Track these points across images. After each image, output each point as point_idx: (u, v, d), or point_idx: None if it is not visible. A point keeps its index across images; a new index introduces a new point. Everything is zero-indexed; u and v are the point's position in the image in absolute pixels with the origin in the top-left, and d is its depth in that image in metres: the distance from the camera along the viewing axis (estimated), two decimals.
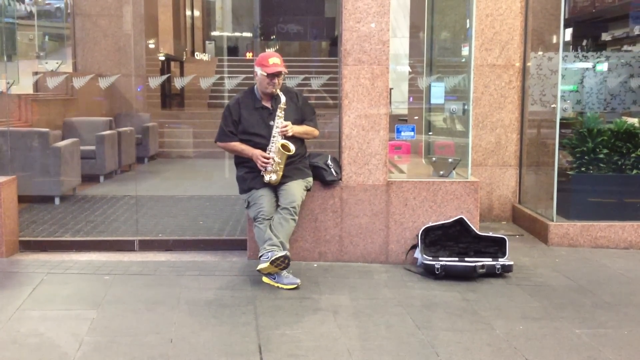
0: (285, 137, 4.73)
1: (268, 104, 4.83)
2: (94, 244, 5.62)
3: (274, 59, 4.73)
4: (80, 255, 5.40)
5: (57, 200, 7.18)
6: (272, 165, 4.69)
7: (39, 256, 5.35)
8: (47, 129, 7.37)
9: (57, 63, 11.14)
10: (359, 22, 5.13)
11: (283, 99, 4.74)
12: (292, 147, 4.69)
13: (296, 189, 4.76)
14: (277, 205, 4.77)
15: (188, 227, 6.20)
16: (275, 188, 4.81)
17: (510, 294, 4.60)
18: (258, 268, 4.62)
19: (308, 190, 4.98)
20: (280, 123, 4.74)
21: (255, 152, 4.74)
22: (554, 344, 3.73)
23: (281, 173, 4.72)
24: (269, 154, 4.71)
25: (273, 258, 4.50)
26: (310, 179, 4.99)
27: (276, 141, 4.71)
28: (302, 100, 4.99)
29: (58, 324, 3.93)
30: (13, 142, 7.15)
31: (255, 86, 4.89)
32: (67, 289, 4.58)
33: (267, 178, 4.71)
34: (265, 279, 4.66)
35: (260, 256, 4.64)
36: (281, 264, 4.53)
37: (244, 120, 4.84)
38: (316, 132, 4.99)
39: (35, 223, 6.23)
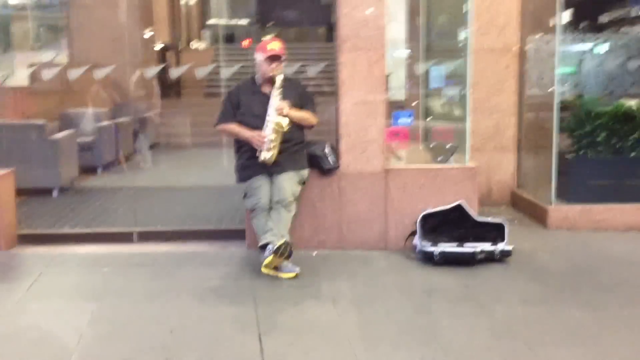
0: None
1: (268, 90, 4.84)
2: (93, 236, 5.61)
3: (273, 44, 4.81)
4: (79, 247, 5.39)
5: (55, 193, 7.17)
6: (267, 142, 4.68)
7: (38, 249, 5.34)
8: (43, 121, 7.35)
9: (53, 54, 11.09)
10: (355, 8, 5.09)
11: (279, 79, 4.75)
12: (286, 122, 4.67)
13: (287, 184, 4.73)
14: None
15: (186, 217, 6.19)
16: (271, 178, 4.79)
17: (509, 279, 4.60)
18: (264, 264, 4.58)
19: (303, 184, 4.96)
20: (276, 102, 4.74)
21: (252, 133, 4.75)
22: (554, 327, 3.73)
23: (276, 151, 4.70)
24: (264, 132, 4.71)
25: (275, 248, 4.48)
26: (305, 172, 4.96)
27: (272, 120, 4.70)
28: (301, 88, 5.03)
29: (58, 317, 3.92)
30: (9, 135, 7.13)
31: (257, 75, 4.91)
32: (67, 282, 4.58)
33: (262, 156, 4.70)
34: (264, 269, 4.64)
35: (262, 246, 4.62)
36: (284, 251, 4.49)
37: (243, 103, 4.87)
38: (314, 120, 4.96)
39: (34, 216, 6.22)
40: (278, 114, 4.72)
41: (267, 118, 4.74)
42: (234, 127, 4.88)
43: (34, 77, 9.53)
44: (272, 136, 4.69)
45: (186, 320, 3.85)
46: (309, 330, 3.72)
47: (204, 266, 4.88)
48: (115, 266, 4.88)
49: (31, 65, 9.84)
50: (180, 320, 3.84)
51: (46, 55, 11.06)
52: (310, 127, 5.00)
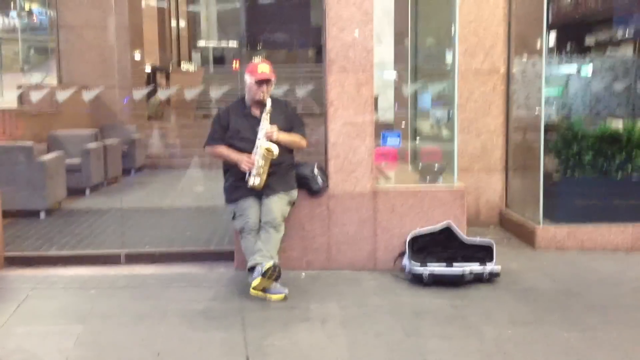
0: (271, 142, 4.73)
1: (257, 112, 4.84)
2: (80, 258, 5.56)
3: (262, 67, 4.81)
4: (66, 269, 5.34)
5: (42, 215, 7.11)
6: (256, 168, 4.68)
7: (25, 271, 5.29)
8: (31, 143, 7.31)
9: (42, 76, 11.10)
10: (343, 30, 5.13)
11: (269, 103, 4.75)
12: (276, 149, 4.67)
13: (276, 205, 4.73)
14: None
15: (175, 238, 6.16)
16: (260, 199, 4.78)
17: (498, 299, 4.59)
18: (252, 286, 4.55)
19: (292, 204, 4.95)
20: (265, 126, 4.74)
21: (241, 156, 4.74)
22: (543, 348, 3.73)
23: (265, 177, 4.70)
24: (253, 157, 4.71)
25: (264, 270, 4.45)
26: (294, 193, 4.97)
27: (261, 145, 4.70)
28: (291, 110, 5.02)
29: (44, 340, 3.88)
30: None
31: (245, 95, 4.92)
32: (53, 304, 4.53)
33: (250, 182, 4.69)
34: (252, 290, 4.62)
35: (250, 268, 4.59)
36: (273, 273, 4.47)
37: (232, 126, 4.87)
38: (304, 142, 4.97)
39: (20, 238, 6.17)
40: (267, 138, 4.72)
41: (257, 143, 4.73)
42: (223, 150, 4.88)
43: (23, 98, 9.52)
44: (261, 162, 4.68)
45: (173, 343, 3.82)
46: (297, 352, 3.69)
47: (191, 288, 4.85)
48: (102, 288, 4.84)
49: (20, 87, 9.83)
50: (168, 343, 3.81)
51: (35, 77, 11.06)
52: (300, 149, 5.01)
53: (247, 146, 4.77)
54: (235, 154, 4.80)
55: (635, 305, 4.47)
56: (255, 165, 4.68)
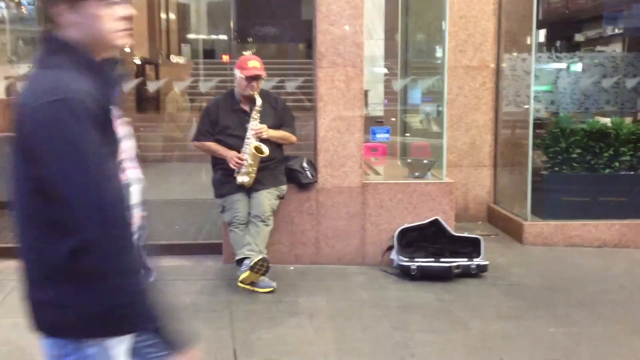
0: (261, 141, 4.71)
1: (246, 107, 4.81)
2: None
3: (253, 62, 4.74)
4: None
5: None
6: (245, 166, 4.66)
7: (10, 263, 5.24)
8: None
9: (30, 67, 11.01)
10: (333, 24, 5.12)
11: (259, 101, 4.73)
12: (266, 150, 4.66)
13: (265, 199, 4.72)
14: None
15: (163, 231, 6.13)
16: (249, 193, 4.78)
17: (485, 294, 4.62)
18: (240, 279, 4.55)
19: (281, 198, 4.95)
20: (255, 125, 4.72)
21: (230, 153, 4.72)
22: (529, 343, 3.76)
23: (254, 175, 4.69)
24: (242, 155, 4.70)
25: (252, 264, 4.45)
26: (284, 187, 4.96)
27: (250, 143, 4.68)
28: (281, 105, 4.97)
29: (30, 331, 3.85)
30: None
31: (235, 89, 4.88)
32: None
33: (239, 180, 4.68)
34: (240, 284, 4.61)
35: (239, 261, 4.59)
36: (261, 267, 4.47)
37: (222, 121, 4.83)
38: (294, 138, 4.96)
39: (6, 229, 6.12)
40: (256, 136, 4.70)
41: (246, 141, 4.72)
42: (212, 145, 4.85)
43: (11, 90, 9.44)
44: (250, 160, 4.67)
45: None
46: (285, 345, 3.70)
47: (179, 281, 4.83)
48: None
49: (7, 78, 9.74)
50: None
51: (23, 68, 10.96)
52: (290, 144, 5.00)
53: (237, 142, 4.74)
54: (225, 150, 4.77)
55: (621, 301, 4.51)
56: (245, 163, 4.66)
